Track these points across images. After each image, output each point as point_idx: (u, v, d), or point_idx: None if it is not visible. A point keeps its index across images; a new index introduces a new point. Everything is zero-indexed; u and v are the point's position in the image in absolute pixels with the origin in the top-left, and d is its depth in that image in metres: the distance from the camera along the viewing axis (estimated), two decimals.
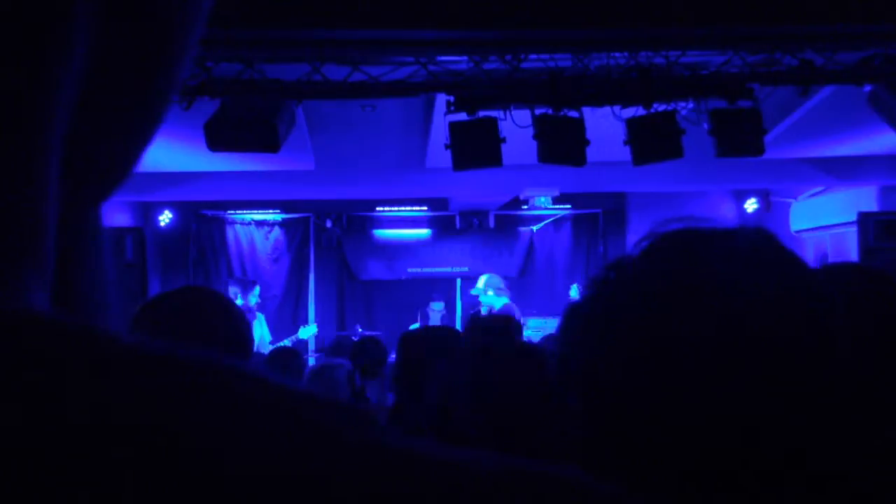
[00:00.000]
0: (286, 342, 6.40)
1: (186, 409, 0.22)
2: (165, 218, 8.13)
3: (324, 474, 0.22)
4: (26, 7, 0.24)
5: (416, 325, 7.36)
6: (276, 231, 8.72)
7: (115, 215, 7.03)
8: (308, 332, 6.83)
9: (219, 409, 0.22)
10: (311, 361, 8.06)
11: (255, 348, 5.95)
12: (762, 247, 0.61)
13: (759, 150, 4.73)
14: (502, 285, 7.00)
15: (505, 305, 6.77)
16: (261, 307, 7.95)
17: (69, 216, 0.28)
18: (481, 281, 7.05)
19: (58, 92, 0.25)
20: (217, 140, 4.38)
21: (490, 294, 6.91)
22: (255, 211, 8.54)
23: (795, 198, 8.49)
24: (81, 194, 0.29)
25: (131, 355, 0.23)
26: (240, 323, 1.55)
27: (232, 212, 8.50)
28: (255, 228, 8.67)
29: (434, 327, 3.73)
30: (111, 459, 0.21)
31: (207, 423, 0.22)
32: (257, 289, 6.66)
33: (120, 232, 6.48)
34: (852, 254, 6.81)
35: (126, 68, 0.28)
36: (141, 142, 0.30)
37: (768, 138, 4.85)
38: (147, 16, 0.28)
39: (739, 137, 4.66)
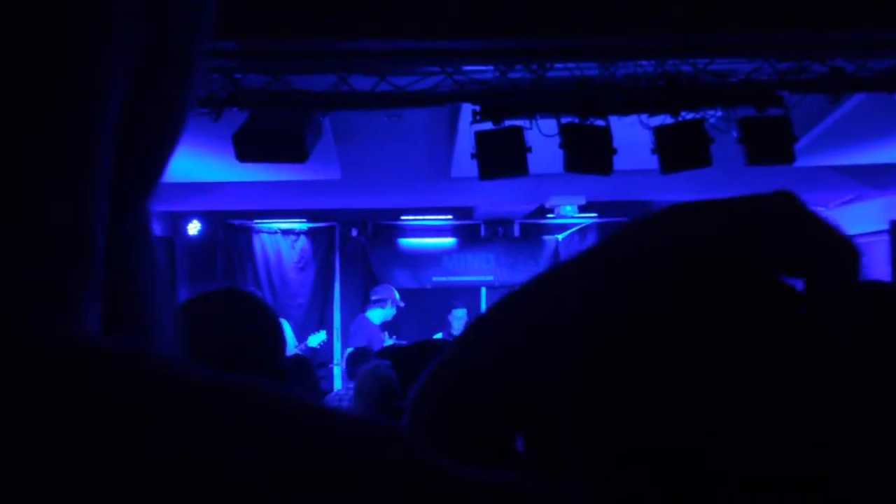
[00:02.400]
0: (296, 350, 6.42)
1: (242, 441, 0.22)
2: (194, 227, 8.21)
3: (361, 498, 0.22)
4: (78, 24, 0.25)
5: (439, 334, 7.36)
6: (302, 240, 8.78)
7: None
8: (317, 339, 6.84)
9: (277, 441, 0.22)
10: (337, 371, 8.10)
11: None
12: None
13: (790, 159, 4.69)
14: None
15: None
16: (286, 315, 8.01)
17: (117, 224, 0.28)
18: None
19: (109, 99, 0.26)
20: (246, 151, 4.43)
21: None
22: (282, 220, 8.60)
23: (826, 206, 8.39)
24: (125, 202, 0.29)
25: (186, 386, 0.23)
26: (274, 323, 1.58)
27: (259, 221, 8.57)
28: (281, 237, 8.73)
29: (423, 341, 3.71)
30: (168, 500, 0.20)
31: (265, 456, 0.22)
32: None
33: (153, 237, 6.56)
34: (884, 263, 6.71)
35: (159, 73, 0.29)
36: (171, 146, 0.31)
37: (798, 146, 4.80)
38: (174, 20, 0.29)
39: (769, 145, 4.62)
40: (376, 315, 6.89)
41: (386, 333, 6.88)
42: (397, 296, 7.11)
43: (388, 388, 3.03)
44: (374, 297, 7.04)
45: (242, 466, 0.21)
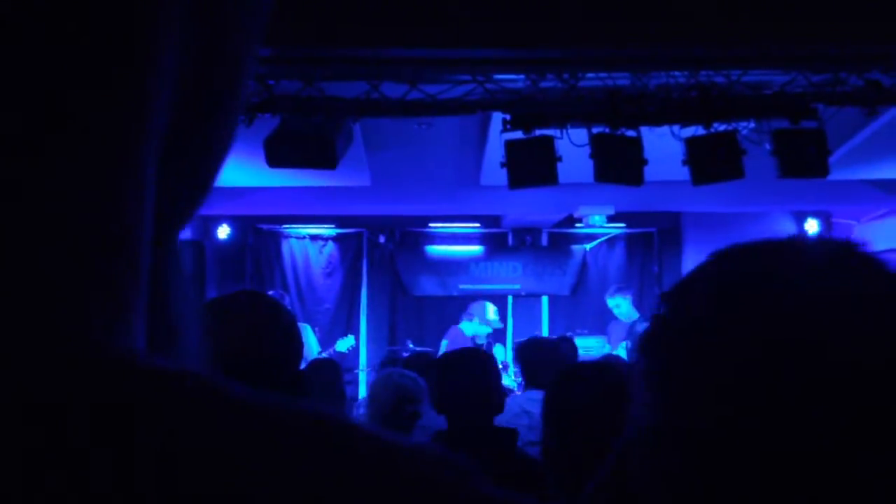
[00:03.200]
0: (323, 355, 6.44)
1: (293, 468, 0.22)
2: (224, 231, 8.28)
3: None
4: (125, 42, 0.24)
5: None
6: (330, 246, 8.81)
7: None
8: (345, 344, 6.89)
9: (326, 467, 0.22)
10: (363, 377, 8.11)
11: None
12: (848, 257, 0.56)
13: (824, 172, 4.62)
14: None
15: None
16: (312, 320, 8.05)
17: (156, 241, 0.28)
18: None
19: (155, 111, 0.26)
20: (276, 157, 4.46)
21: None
22: (310, 225, 8.65)
23: (858, 220, 8.27)
24: (166, 218, 0.29)
25: (239, 410, 0.23)
26: (289, 328, 1.57)
27: (287, 226, 8.62)
28: (309, 243, 8.77)
29: (464, 349, 3.67)
30: None
31: (315, 481, 0.22)
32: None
33: (180, 245, 6.64)
34: None
35: (203, 88, 0.28)
36: (218, 161, 0.31)
37: (832, 159, 4.73)
38: (220, 36, 0.28)
39: (803, 158, 4.56)
40: (466, 327, 7.14)
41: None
42: (490, 315, 7.23)
43: (400, 396, 3.03)
44: (468, 311, 7.30)
45: (287, 496, 0.21)
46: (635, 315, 6.51)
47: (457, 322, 7.39)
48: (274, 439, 0.22)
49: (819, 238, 0.59)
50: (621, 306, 6.73)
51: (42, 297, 0.23)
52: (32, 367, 0.21)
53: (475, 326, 7.10)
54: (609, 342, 6.90)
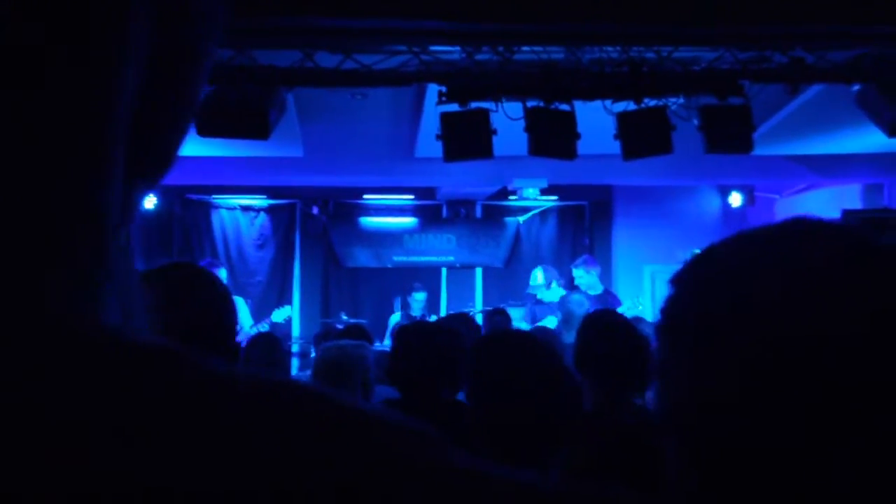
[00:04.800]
0: (263, 326, 6.38)
1: (266, 435, 0.22)
2: (150, 201, 8.06)
3: (395, 498, 0.22)
4: (97, 23, 0.25)
5: (397, 314, 7.37)
6: (262, 217, 8.68)
7: None
8: (282, 314, 6.81)
9: (297, 434, 0.23)
10: (295, 349, 8.06)
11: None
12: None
13: (748, 147, 4.77)
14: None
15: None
16: (244, 292, 7.94)
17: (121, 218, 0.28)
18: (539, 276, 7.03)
19: (124, 99, 0.26)
20: (206, 126, 4.35)
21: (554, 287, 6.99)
22: (241, 196, 8.49)
23: (780, 194, 8.57)
24: (133, 192, 0.30)
25: (218, 383, 0.24)
26: (221, 300, 1.55)
27: (217, 196, 8.45)
28: (240, 214, 8.62)
29: (430, 322, 3.68)
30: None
31: (283, 447, 0.22)
32: (222, 271, 6.61)
33: None
34: None
35: (169, 66, 0.29)
36: (182, 133, 0.31)
37: (755, 135, 4.88)
38: (187, 16, 0.29)
39: (729, 134, 4.69)
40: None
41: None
42: (535, 279, 7.02)
43: (354, 364, 3.03)
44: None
45: (273, 465, 0.22)
46: (599, 289, 6.58)
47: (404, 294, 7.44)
48: (257, 408, 0.23)
49: (842, 227, 0.60)
50: (583, 278, 6.76)
51: (18, 271, 0.23)
52: (16, 339, 0.22)
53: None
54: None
